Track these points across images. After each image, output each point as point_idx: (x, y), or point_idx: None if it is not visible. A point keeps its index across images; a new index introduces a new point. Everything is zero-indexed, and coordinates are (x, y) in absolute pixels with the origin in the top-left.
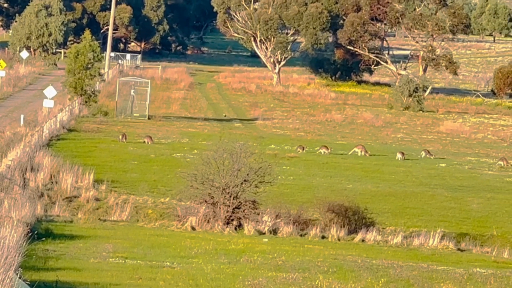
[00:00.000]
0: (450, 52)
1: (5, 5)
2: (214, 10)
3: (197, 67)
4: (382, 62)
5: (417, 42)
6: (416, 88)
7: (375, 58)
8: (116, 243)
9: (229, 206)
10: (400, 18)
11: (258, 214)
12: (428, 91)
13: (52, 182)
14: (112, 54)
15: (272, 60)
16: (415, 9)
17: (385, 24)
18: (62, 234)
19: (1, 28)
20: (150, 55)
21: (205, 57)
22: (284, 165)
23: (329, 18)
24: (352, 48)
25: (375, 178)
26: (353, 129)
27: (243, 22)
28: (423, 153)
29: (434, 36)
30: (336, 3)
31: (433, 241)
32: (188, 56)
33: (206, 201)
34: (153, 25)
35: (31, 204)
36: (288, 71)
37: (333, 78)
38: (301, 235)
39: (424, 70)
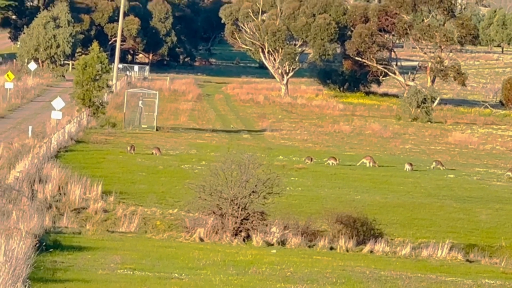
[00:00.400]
0: (458, 63)
1: (13, 17)
2: (222, 21)
3: (205, 79)
4: (390, 73)
5: (425, 53)
6: (424, 99)
7: (383, 69)
8: (124, 255)
9: (237, 217)
10: (408, 29)
11: (267, 225)
12: (436, 102)
13: (60, 194)
14: (120, 66)
15: (280, 71)
16: (423, 20)
17: (393, 35)
18: (70, 246)
19: (9, 40)
20: (158, 66)
21: (213, 68)
22: (292, 176)
23: (337, 29)
24: (360, 59)
25: (383, 189)
26: (361, 140)
27: (251, 33)
28: (434, 164)
29: (442, 47)
30: (344, 14)
31: (442, 252)
32: (196, 68)
33: (214, 212)
34: (161, 36)
35: (39, 216)
36: (296, 82)
37: (341, 89)
38: (309, 246)
39: (432, 81)
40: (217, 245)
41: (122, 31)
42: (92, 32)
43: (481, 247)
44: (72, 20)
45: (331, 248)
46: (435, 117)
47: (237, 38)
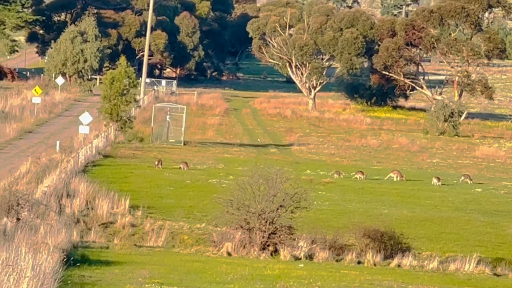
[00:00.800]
0: (485, 77)
1: (41, 31)
2: (249, 36)
3: (233, 93)
4: (417, 87)
5: (452, 67)
6: (452, 113)
7: (410, 83)
8: (152, 269)
9: (265, 231)
10: (435, 43)
11: (294, 240)
12: (463, 116)
13: (88, 208)
14: (148, 80)
15: (307, 85)
16: (450, 34)
17: (420, 49)
18: (98, 260)
19: (37, 55)
20: (185, 81)
21: (241, 82)
22: (320, 190)
23: (364, 43)
24: (387, 73)
25: (411, 203)
26: (388, 154)
27: (278, 47)
28: (462, 177)
29: (469, 61)
30: (371, 28)
31: (469, 266)
32: (223, 82)
33: (241, 227)
34: (188, 51)
35: (67, 230)
36: (324, 96)
37: (369, 103)
38: (337, 260)
39: (460, 95)
40: (245, 259)
41: (150, 46)
42: (120, 47)
43: (508, 261)
44: (100, 34)
45: (359, 262)
46: (462, 131)
47: (265, 52)
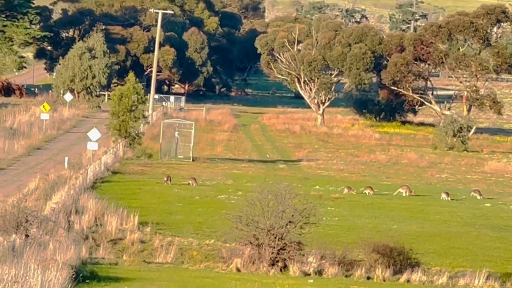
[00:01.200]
0: (494, 92)
1: (49, 48)
2: (258, 51)
3: (241, 109)
4: (426, 103)
5: (461, 82)
6: (461, 128)
7: (419, 98)
8: (161, 286)
9: (274, 247)
10: (443, 58)
11: (303, 255)
12: (472, 131)
13: (96, 225)
14: (156, 96)
15: (316, 101)
16: (458, 49)
17: (428, 64)
18: (107, 277)
19: (45, 71)
20: (194, 97)
21: (249, 98)
22: (329, 206)
23: (373, 58)
24: (396, 88)
25: (420, 218)
26: (397, 169)
27: (287, 63)
28: (473, 193)
29: (478, 76)
30: (380, 43)
31: (479, 281)
32: (232, 98)
33: (251, 243)
34: (197, 67)
35: (76, 247)
36: (332, 112)
37: (377, 118)
38: (346, 276)
39: (468, 110)
40: (254, 275)
41: (158, 62)
42: (128, 63)
43: None
44: (108, 50)
45: (368, 278)
46: (471, 146)
47: (273, 68)
